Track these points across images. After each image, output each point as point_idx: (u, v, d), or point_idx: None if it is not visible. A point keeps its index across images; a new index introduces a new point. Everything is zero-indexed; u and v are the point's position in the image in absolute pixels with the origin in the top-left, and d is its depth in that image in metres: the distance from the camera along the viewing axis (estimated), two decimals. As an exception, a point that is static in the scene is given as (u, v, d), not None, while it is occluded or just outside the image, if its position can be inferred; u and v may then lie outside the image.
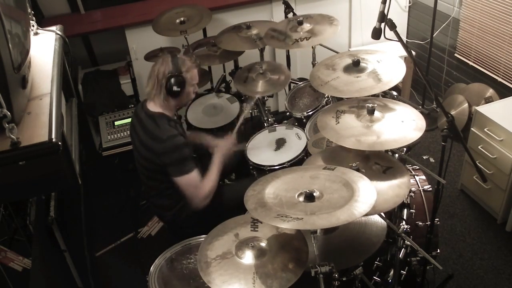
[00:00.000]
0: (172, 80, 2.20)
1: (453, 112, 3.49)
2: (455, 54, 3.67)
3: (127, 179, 3.45)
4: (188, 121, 2.98)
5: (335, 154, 2.08)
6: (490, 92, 3.35)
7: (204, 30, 3.48)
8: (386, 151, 2.16)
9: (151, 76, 2.26)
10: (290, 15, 3.25)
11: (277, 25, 3.02)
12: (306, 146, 2.53)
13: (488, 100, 3.32)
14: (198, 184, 2.24)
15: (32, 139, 1.48)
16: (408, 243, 2.06)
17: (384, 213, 2.00)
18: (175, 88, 2.21)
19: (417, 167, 2.46)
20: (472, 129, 3.00)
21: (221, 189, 2.40)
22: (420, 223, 2.31)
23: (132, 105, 3.45)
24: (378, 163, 1.96)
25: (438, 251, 2.44)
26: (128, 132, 3.16)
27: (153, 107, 2.27)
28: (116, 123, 3.26)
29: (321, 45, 2.92)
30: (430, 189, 2.40)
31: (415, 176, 2.45)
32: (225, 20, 3.60)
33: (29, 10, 2.17)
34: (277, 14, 3.65)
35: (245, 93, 2.92)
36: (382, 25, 1.97)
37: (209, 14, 3.26)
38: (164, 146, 2.18)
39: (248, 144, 2.70)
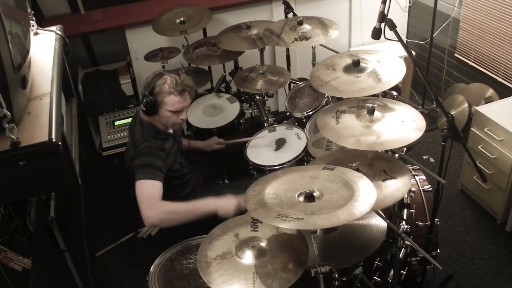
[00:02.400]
0: (143, 99, 2.15)
1: (453, 112, 3.49)
2: (455, 54, 3.67)
3: (127, 179, 3.44)
4: (188, 121, 2.98)
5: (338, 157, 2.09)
6: (490, 92, 3.35)
7: (204, 30, 3.48)
8: (386, 151, 2.16)
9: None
10: (290, 15, 3.25)
11: (272, 25, 3.02)
12: (306, 146, 2.53)
13: (488, 100, 3.32)
14: (154, 198, 2.02)
15: (32, 139, 1.48)
16: (408, 243, 2.06)
17: (384, 213, 2.00)
18: (142, 107, 2.15)
19: (417, 167, 2.46)
20: (472, 129, 3.00)
21: (220, 190, 2.39)
22: (420, 223, 2.31)
23: (132, 105, 3.45)
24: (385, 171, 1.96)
25: (438, 251, 2.44)
26: (128, 132, 3.17)
27: (144, 116, 2.22)
28: (116, 123, 3.26)
29: (321, 45, 2.92)
30: (430, 189, 2.40)
31: (415, 176, 2.45)
32: (225, 20, 3.60)
33: (29, 10, 2.17)
34: (277, 14, 3.65)
35: (245, 90, 2.92)
36: (382, 25, 1.97)
37: (209, 14, 3.26)
38: (135, 151, 2.12)
39: (248, 144, 2.70)
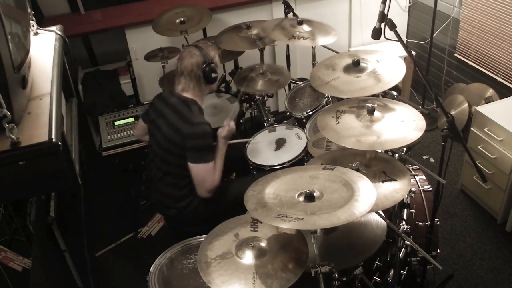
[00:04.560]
0: (208, 69, 2.29)
1: (453, 112, 3.50)
2: (455, 54, 3.67)
3: (127, 179, 3.46)
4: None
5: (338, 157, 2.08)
6: (490, 92, 3.35)
7: (204, 30, 3.48)
8: (386, 151, 2.16)
9: (182, 72, 2.31)
10: (290, 15, 3.25)
11: (269, 22, 3.02)
12: (306, 146, 2.53)
13: (488, 100, 3.32)
14: (211, 176, 2.28)
15: (32, 139, 1.48)
16: (408, 243, 2.06)
17: (384, 213, 2.01)
18: (213, 75, 2.32)
19: (417, 167, 2.46)
20: (472, 129, 3.00)
21: (221, 188, 2.39)
22: (420, 223, 2.31)
23: (132, 105, 3.45)
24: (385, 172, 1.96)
25: (438, 251, 2.44)
26: (128, 132, 3.17)
27: (186, 94, 2.33)
28: (116, 123, 3.26)
29: (321, 45, 2.91)
30: (430, 189, 2.40)
31: (415, 176, 2.45)
32: (225, 20, 3.60)
33: (29, 10, 2.17)
34: (277, 14, 3.65)
35: (244, 90, 2.93)
36: (382, 25, 1.97)
37: (209, 14, 3.26)
38: (193, 129, 2.23)
39: (248, 143, 2.70)
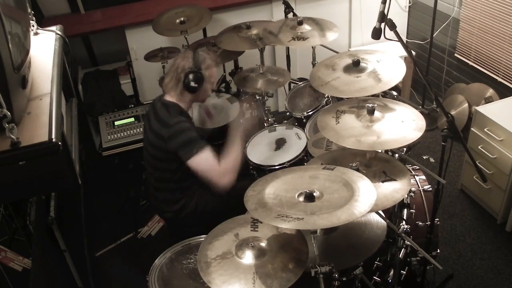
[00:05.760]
0: (191, 76, 2.24)
1: (453, 112, 3.49)
2: (455, 54, 3.67)
3: (127, 179, 3.45)
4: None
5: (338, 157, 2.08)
6: (490, 92, 3.35)
7: (204, 30, 3.49)
8: (386, 151, 2.16)
9: (171, 69, 2.30)
10: (290, 15, 3.25)
11: (271, 24, 3.01)
12: (306, 146, 2.53)
13: (488, 100, 3.32)
14: (213, 163, 2.18)
15: (32, 139, 1.48)
16: (408, 243, 2.06)
17: (384, 213, 2.00)
18: (192, 84, 2.25)
19: (417, 167, 2.46)
20: (472, 129, 3.00)
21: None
22: (420, 223, 2.31)
23: (132, 105, 3.45)
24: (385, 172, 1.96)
25: (438, 251, 2.44)
26: (128, 132, 3.17)
27: (169, 98, 2.31)
28: (116, 123, 3.26)
29: (321, 45, 2.91)
30: (430, 189, 2.40)
31: (415, 176, 2.45)
32: (225, 20, 3.60)
33: (29, 10, 2.16)
34: (277, 14, 3.65)
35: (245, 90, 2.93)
36: (382, 25, 1.97)
37: (209, 14, 3.26)
38: (170, 130, 2.19)
39: (248, 144, 2.70)
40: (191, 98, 2.32)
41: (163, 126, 2.22)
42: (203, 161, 2.18)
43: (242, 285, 1.56)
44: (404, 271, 2.21)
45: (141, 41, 3.50)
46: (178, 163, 2.22)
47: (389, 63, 2.23)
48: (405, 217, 2.21)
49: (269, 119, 2.93)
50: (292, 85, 3.27)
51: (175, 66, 2.28)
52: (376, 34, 2.02)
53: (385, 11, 1.98)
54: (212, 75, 2.33)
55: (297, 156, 2.51)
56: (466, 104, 3.44)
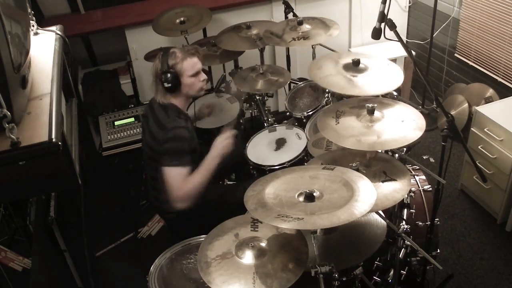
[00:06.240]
0: (163, 77, 2.20)
1: (453, 112, 3.49)
2: (455, 54, 3.67)
3: (127, 179, 3.45)
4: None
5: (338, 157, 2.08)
6: (490, 92, 3.35)
7: (204, 30, 3.48)
8: (386, 151, 2.16)
9: (152, 75, 2.29)
10: (290, 15, 3.25)
11: (273, 26, 3.02)
12: (306, 146, 2.53)
13: (488, 100, 3.32)
14: (181, 184, 2.16)
15: (32, 139, 1.48)
16: (408, 243, 2.06)
17: (384, 213, 2.00)
18: (166, 84, 2.21)
19: (417, 167, 2.46)
20: (472, 129, 3.00)
21: (221, 190, 2.39)
22: (420, 223, 2.31)
23: (132, 105, 3.45)
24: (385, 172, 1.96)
25: (438, 251, 2.44)
26: (128, 132, 3.17)
27: (165, 99, 2.28)
28: (116, 123, 3.26)
29: (321, 45, 2.92)
30: (430, 189, 2.40)
31: (415, 176, 2.45)
32: (225, 20, 3.60)
33: (29, 10, 2.16)
34: (277, 14, 3.65)
35: (244, 90, 2.93)
36: (382, 25, 1.97)
37: (209, 14, 3.26)
38: (167, 134, 2.18)
39: (248, 144, 2.70)
40: (180, 95, 2.28)
41: (161, 128, 2.22)
42: (175, 176, 2.15)
43: (242, 285, 1.56)
44: (404, 271, 2.21)
45: (141, 41, 3.50)
46: (191, 155, 2.23)
47: (387, 71, 2.23)
48: (405, 217, 2.21)
49: (269, 119, 2.93)
50: (292, 85, 3.27)
51: (153, 71, 2.26)
52: (376, 34, 2.02)
53: (385, 11, 1.98)
54: (188, 67, 2.23)
55: (297, 156, 2.51)
56: (466, 104, 3.44)
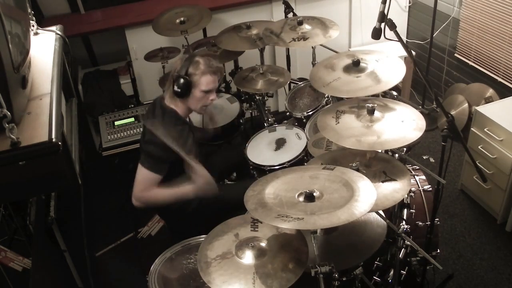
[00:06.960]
0: (178, 80, 2.19)
1: (453, 112, 3.49)
2: (455, 54, 3.67)
3: (127, 179, 3.44)
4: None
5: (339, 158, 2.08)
6: (490, 92, 3.35)
7: (204, 30, 3.49)
8: (386, 151, 2.16)
9: (171, 70, 2.29)
10: (290, 15, 3.25)
11: (272, 25, 3.02)
12: (306, 146, 2.53)
13: (488, 100, 3.32)
14: (144, 186, 2.17)
15: (32, 139, 1.48)
16: (408, 243, 2.06)
17: (384, 213, 2.00)
18: (176, 88, 2.19)
19: (417, 167, 2.46)
20: (472, 129, 3.00)
21: (221, 189, 2.39)
22: (420, 223, 2.31)
23: (132, 105, 3.45)
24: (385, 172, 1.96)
25: (438, 251, 2.44)
26: (128, 132, 3.17)
27: (168, 101, 2.28)
28: (116, 123, 3.26)
29: (321, 45, 2.92)
30: (430, 189, 2.40)
31: (415, 176, 2.45)
32: (225, 20, 3.60)
33: (29, 10, 2.17)
34: (277, 14, 3.65)
35: (245, 90, 2.92)
36: (382, 25, 1.97)
37: (209, 14, 3.26)
38: (152, 137, 2.15)
39: (248, 144, 2.70)
40: (183, 105, 2.26)
41: (150, 130, 2.20)
42: (143, 177, 2.16)
43: (242, 285, 1.56)
44: (404, 271, 2.21)
45: (141, 41, 3.50)
46: (169, 165, 2.20)
47: (388, 64, 2.23)
48: (405, 217, 2.21)
49: (269, 119, 2.93)
50: (292, 85, 3.27)
51: (173, 67, 2.26)
52: (376, 34, 2.02)
53: (385, 11, 1.98)
54: (203, 83, 2.20)
55: (297, 156, 2.51)
56: (466, 104, 3.44)
